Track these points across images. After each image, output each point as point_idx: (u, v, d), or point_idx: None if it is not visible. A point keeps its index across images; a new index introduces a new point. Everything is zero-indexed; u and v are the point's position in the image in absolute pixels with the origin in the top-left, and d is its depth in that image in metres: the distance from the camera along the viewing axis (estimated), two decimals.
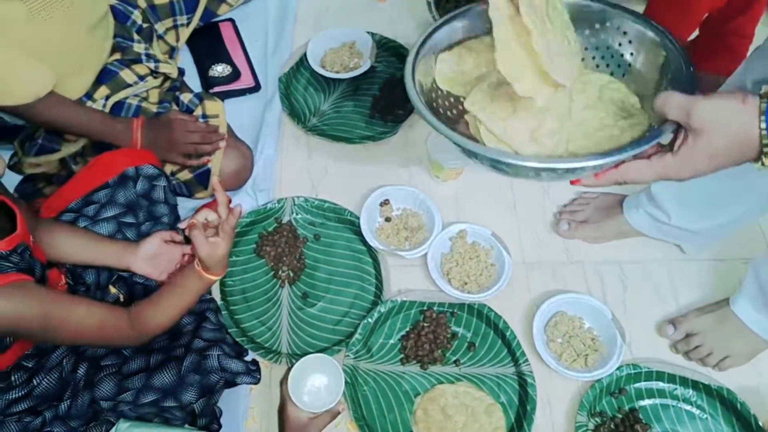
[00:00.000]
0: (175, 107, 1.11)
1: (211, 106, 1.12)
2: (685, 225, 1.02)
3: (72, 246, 0.84)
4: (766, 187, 0.90)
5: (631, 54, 0.73)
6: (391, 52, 1.35)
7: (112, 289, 0.92)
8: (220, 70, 1.28)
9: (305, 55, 1.31)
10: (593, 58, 0.76)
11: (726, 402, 0.93)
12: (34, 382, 0.73)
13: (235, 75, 1.28)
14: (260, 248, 1.09)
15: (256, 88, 1.28)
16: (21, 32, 0.89)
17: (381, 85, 1.30)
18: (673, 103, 0.57)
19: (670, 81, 0.68)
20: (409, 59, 0.71)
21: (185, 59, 1.32)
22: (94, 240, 0.89)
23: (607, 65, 0.76)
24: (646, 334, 1.03)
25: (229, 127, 1.14)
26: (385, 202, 1.13)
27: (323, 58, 1.33)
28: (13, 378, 0.70)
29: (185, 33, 1.27)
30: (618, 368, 0.95)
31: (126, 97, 1.08)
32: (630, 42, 0.73)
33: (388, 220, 1.13)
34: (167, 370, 0.77)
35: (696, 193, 0.96)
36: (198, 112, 1.11)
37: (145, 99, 1.11)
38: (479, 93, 0.66)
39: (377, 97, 1.28)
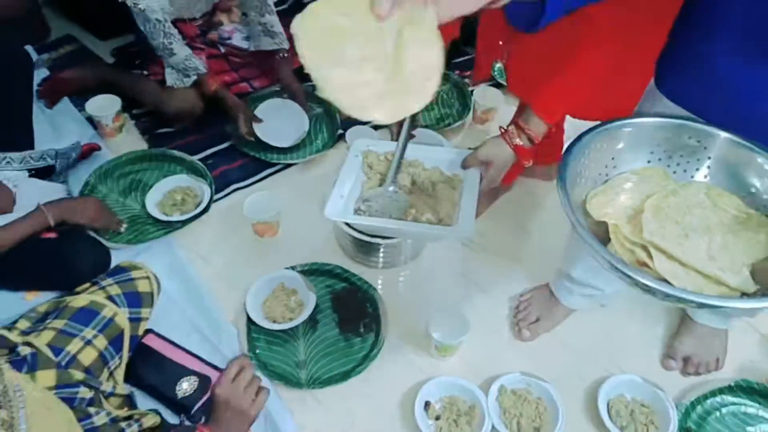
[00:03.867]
0: None
1: None
2: (613, 290, 1.24)
3: None
4: None
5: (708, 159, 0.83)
6: (317, 274, 1.40)
7: None
8: (186, 387, 1.16)
9: (249, 319, 1.28)
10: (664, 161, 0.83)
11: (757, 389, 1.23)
12: None
13: (205, 381, 1.18)
14: None
15: None
16: None
17: (333, 307, 1.34)
18: None
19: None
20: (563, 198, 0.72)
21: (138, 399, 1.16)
22: None
23: (685, 171, 0.83)
24: (660, 374, 1.27)
25: None
26: (427, 405, 1.18)
27: (266, 312, 1.32)
28: None
29: (121, 371, 1.14)
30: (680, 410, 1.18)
31: None
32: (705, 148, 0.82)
33: (437, 418, 1.18)
34: None
35: None
36: None
37: None
38: (651, 223, 0.71)
39: (340, 320, 1.32)
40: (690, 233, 0.73)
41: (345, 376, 1.23)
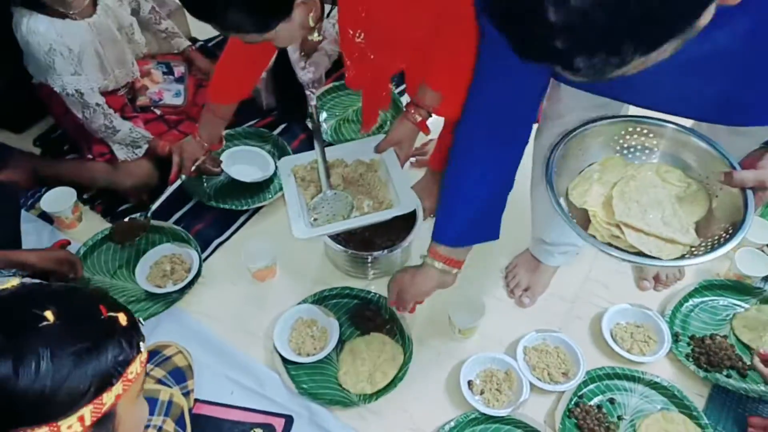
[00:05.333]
0: None
1: None
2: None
3: None
4: None
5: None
6: (327, 299, 1.48)
7: None
8: None
9: (283, 359, 1.35)
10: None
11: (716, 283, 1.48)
12: None
13: (269, 429, 1.24)
14: None
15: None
16: None
17: (354, 325, 1.44)
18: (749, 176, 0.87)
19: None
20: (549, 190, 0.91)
21: None
22: None
23: (638, 154, 1.01)
24: (640, 297, 1.50)
25: None
26: (470, 383, 1.32)
27: (296, 348, 1.38)
28: None
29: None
30: (666, 319, 1.40)
31: None
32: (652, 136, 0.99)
33: (482, 392, 1.32)
34: None
35: None
36: None
37: None
38: (619, 207, 0.91)
39: (363, 335, 1.42)
40: (648, 209, 0.94)
41: (392, 383, 1.33)
